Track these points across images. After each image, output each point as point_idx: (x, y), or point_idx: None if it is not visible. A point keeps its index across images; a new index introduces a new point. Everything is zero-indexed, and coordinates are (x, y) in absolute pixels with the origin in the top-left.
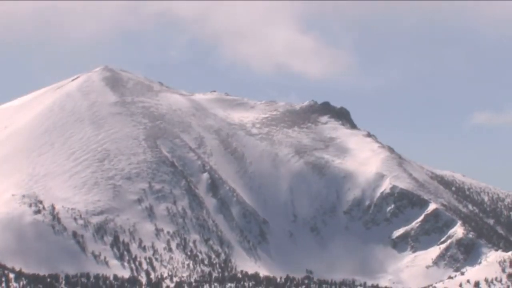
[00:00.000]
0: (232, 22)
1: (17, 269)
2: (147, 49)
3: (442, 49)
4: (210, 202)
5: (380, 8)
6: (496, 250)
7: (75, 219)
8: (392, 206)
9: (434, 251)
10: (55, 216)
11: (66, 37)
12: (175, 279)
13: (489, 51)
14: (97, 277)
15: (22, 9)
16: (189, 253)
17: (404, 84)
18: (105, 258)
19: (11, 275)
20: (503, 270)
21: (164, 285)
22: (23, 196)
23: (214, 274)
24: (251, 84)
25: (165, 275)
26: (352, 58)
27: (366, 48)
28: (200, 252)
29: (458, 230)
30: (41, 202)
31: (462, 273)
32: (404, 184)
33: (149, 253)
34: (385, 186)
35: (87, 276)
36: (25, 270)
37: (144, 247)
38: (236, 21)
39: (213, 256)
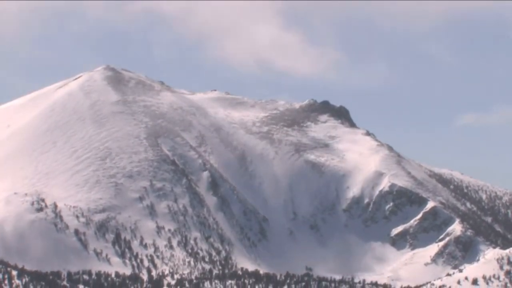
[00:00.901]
0: (218, 19)
1: (20, 266)
2: (133, 47)
3: (427, 45)
4: (210, 200)
5: (361, 4)
6: (494, 247)
7: (77, 217)
8: (391, 204)
9: (433, 249)
10: (57, 214)
11: (51, 37)
12: (176, 276)
13: (479, 45)
14: (99, 274)
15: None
16: (190, 250)
17: (393, 81)
18: (106, 255)
19: (14, 272)
20: (501, 268)
21: (165, 282)
22: (26, 194)
23: (215, 271)
24: (239, 82)
25: (166, 272)
26: (338, 55)
27: (351, 45)
28: (201, 250)
29: (456, 228)
30: (43, 200)
31: (460, 270)
32: (402, 182)
33: (150, 250)
34: (384, 184)
35: (89, 273)
36: (28, 268)
37: (146, 244)
38: (221, 18)
39: (213, 253)
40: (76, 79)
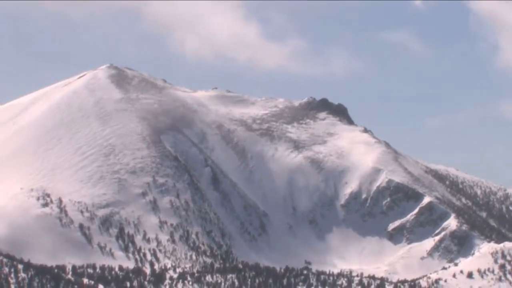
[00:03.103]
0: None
1: (26, 260)
2: (95, 42)
3: (393, 34)
4: (212, 195)
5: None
6: (489, 241)
7: (81, 212)
8: (388, 199)
9: (429, 243)
10: (62, 209)
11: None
12: (178, 270)
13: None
14: (102, 268)
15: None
16: (191, 244)
17: (361, 71)
18: (110, 249)
19: (20, 266)
20: (495, 261)
21: (167, 275)
22: (31, 189)
23: (216, 265)
24: (202, 75)
25: (169, 266)
26: (300, 47)
27: (313, 35)
28: (203, 244)
29: (451, 223)
30: (48, 195)
31: (456, 264)
32: (399, 178)
33: (153, 244)
34: (381, 180)
35: (93, 267)
36: (33, 261)
37: (148, 239)
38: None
39: (215, 247)
40: (80, 77)
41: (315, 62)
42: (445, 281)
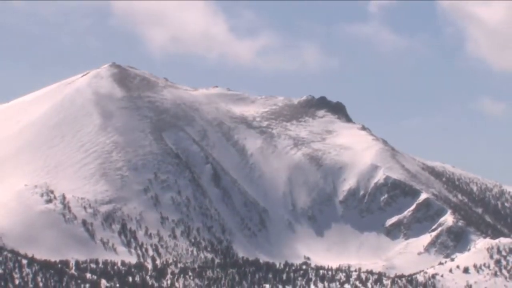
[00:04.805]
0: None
1: (30, 255)
2: (67, 38)
3: (366, 28)
4: (212, 192)
5: None
6: (485, 237)
7: (84, 208)
8: (386, 195)
9: (426, 239)
10: (65, 205)
11: None
12: (179, 265)
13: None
14: (105, 263)
15: None
16: (192, 240)
17: (332, 66)
18: (113, 245)
19: (24, 261)
20: (491, 257)
21: (169, 270)
22: (35, 186)
23: (217, 260)
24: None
25: (170, 261)
26: (270, 42)
27: (283, 30)
28: (203, 239)
29: (448, 219)
30: (52, 192)
31: (452, 259)
32: (397, 174)
33: (155, 240)
34: (379, 177)
35: (96, 262)
36: (37, 257)
37: (150, 234)
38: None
39: (215, 243)
40: (83, 75)
41: (287, 57)
42: (442, 276)
